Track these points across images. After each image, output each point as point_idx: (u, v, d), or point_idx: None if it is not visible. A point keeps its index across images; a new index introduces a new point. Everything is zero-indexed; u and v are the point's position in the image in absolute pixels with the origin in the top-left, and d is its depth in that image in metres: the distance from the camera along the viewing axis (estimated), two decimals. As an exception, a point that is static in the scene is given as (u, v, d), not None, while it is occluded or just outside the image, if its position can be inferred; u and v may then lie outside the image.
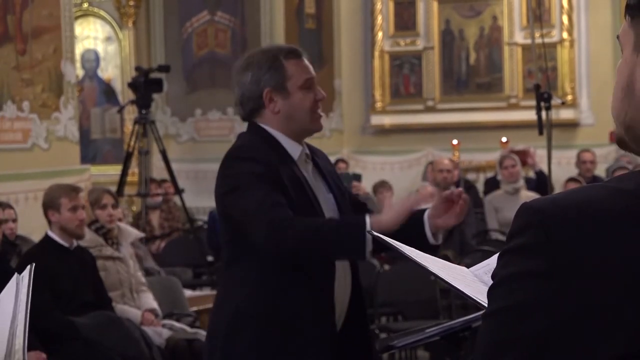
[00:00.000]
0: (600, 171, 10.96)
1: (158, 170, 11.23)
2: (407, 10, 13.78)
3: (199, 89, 12.78)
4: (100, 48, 12.91)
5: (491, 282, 1.39)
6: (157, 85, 9.31)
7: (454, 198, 3.25)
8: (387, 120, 13.85)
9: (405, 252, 2.64)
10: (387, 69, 13.83)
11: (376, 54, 13.78)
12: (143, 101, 9.26)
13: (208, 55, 12.69)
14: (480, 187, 11.80)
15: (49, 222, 5.94)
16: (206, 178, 11.94)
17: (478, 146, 13.02)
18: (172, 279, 7.30)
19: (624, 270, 1.30)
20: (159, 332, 6.23)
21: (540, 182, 9.98)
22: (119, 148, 12.40)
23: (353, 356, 3.38)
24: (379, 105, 13.83)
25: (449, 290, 6.23)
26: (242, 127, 3.50)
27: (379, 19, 13.77)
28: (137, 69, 9.62)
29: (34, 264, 2.22)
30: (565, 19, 13.17)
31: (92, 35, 12.89)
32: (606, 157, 12.08)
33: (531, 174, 10.89)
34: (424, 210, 3.27)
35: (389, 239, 2.86)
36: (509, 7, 13.38)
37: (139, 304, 6.40)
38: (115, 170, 10.94)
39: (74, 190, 6.00)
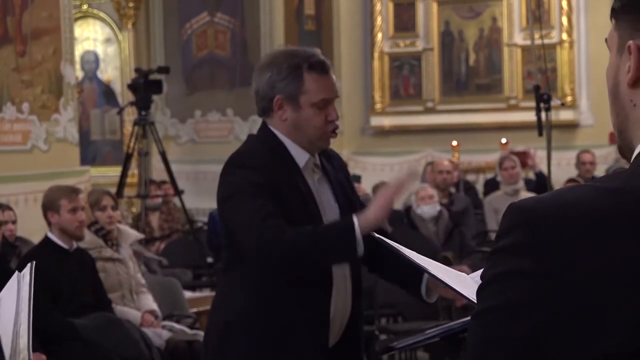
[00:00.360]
0: (600, 172, 10.96)
1: (158, 171, 11.23)
2: (406, 11, 13.79)
3: (198, 90, 12.78)
4: (99, 49, 12.91)
5: None
6: (157, 87, 9.31)
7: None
8: (386, 121, 13.86)
9: (406, 254, 2.64)
10: (386, 70, 13.83)
11: (376, 55, 13.78)
12: (143, 102, 9.27)
13: (208, 56, 12.69)
14: (480, 188, 11.81)
15: (49, 224, 5.94)
16: (206, 179, 11.95)
17: (478, 147, 13.02)
18: (172, 280, 7.30)
19: (611, 268, 1.31)
20: (159, 334, 6.23)
21: (540, 183, 9.99)
22: (118, 149, 12.40)
23: None
24: (378, 106, 13.83)
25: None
26: (242, 128, 3.50)
27: (379, 20, 13.77)
28: (137, 70, 9.62)
29: (34, 262, 2.21)
30: (564, 20, 13.18)
31: (91, 37, 12.89)
32: (606, 158, 12.07)
33: (531, 175, 10.89)
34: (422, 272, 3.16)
35: (390, 241, 2.85)
36: (509, 8, 13.39)
37: (139, 306, 6.40)
38: (114, 171, 10.94)
39: (73, 191, 6.00)
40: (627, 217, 1.33)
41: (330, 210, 3.30)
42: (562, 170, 11.14)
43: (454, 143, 12.81)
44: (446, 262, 7.87)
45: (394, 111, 13.85)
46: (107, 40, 12.88)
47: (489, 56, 13.60)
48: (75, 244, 5.97)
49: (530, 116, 7.53)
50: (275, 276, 3.22)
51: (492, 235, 8.99)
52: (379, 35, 13.79)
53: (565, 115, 12.65)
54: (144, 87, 9.18)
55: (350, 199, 3.38)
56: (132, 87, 9.35)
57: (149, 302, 6.47)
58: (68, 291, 5.78)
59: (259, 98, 3.28)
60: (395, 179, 3.21)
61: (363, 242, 3.20)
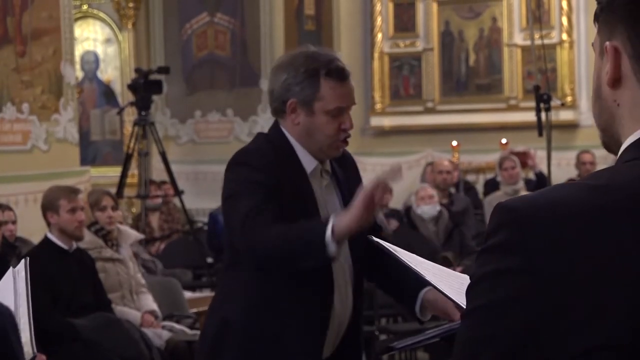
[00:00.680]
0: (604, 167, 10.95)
1: (158, 171, 11.23)
2: (406, 11, 13.78)
3: (198, 90, 12.78)
4: (99, 50, 12.91)
5: None
6: (157, 87, 9.31)
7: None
8: (386, 121, 13.86)
9: (402, 258, 2.63)
10: (386, 71, 13.83)
11: (376, 55, 13.78)
12: (143, 103, 9.26)
13: (208, 56, 12.70)
14: (480, 188, 11.81)
15: (48, 224, 5.94)
16: (206, 179, 11.95)
17: (478, 147, 13.01)
18: (172, 281, 7.30)
19: (599, 264, 1.32)
20: (159, 334, 6.23)
21: (540, 184, 9.99)
22: (118, 150, 12.40)
23: None
24: (378, 106, 13.83)
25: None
26: (242, 128, 3.47)
27: (379, 21, 13.77)
28: (137, 70, 9.62)
29: (28, 258, 2.21)
30: (564, 20, 13.17)
31: (91, 37, 12.89)
32: (606, 158, 12.05)
33: (531, 176, 10.89)
34: (423, 286, 3.09)
35: (388, 244, 2.84)
36: (509, 8, 13.38)
37: (139, 306, 6.40)
38: (115, 171, 10.94)
39: (72, 191, 6.00)
40: (614, 214, 1.34)
41: None
42: (562, 170, 11.14)
43: (454, 143, 12.81)
44: (446, 262, 7.88)
45: (394, 111, 13.84)
46: (107, 41, 12.88)
47: (489, 56, 13.60)
48: (75, 245, 5.97)
49: (530, 116, 7.53)
50: (275, 277, 3.18)
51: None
52: (379, 36, 13.79)
53: (565, 115, 12.65)
54: (144, 87, 9.18)
55: None
56: (132, 87, 9.35)
57: (149, 302, 6.47)
58: (68, 291, 5.78)
59: (273, 98, 3.23)
60: (376, 177, 3.09)
61: (363, 246, 3.18)
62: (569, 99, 12.95)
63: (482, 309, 1.37)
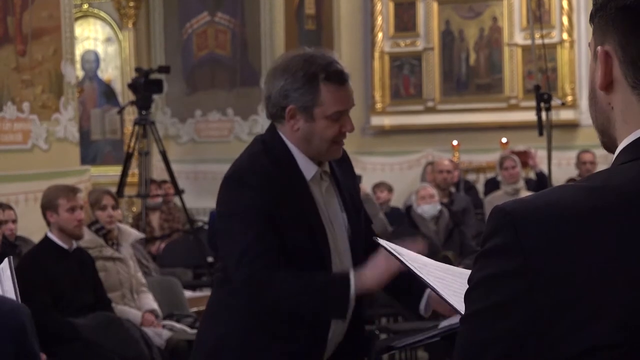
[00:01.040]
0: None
1: (158, 171, 11.23)
2: (407, 11, 13.78)
3: (199, 90, 12.78)
4: (100, 49, 12.91)
5: None
6: (157, 86, 9.31)
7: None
8: (387, 121, 13.85)
9: (405, 261, 2.62)
10: (387, 70, 13.83)
11: (376, 55, 13.78)
12: (143, 102, 9.26)
13: (208, 56, 12.69)
14: (480, 188, 11.81)
15: (48, 224, 5.94)
16: (206, 179, 11.95)
17: (478, 147, 13.02)
18: (172, 280, 7.30)
19: (594, 266, 1.33)
20: (159, 333, 6.23)
21: (541, 183, 9.99)
22: (119, 149, 12.40)
23: None
24: (378, 106, 13.83)
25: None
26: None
27: (379, 20, 13.77)
28: (137, 70, 9.61)
29: (11, 257, 2.21)
30: (565, 19, 13.17)
31: (92, 36, 12.89)
32: (606, 158, 12.07)
33: (532, 175, 10.89)
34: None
35: (391, 245, 2.82)
36: (509, 8, 13.38)
37: (139, 305, 6.40)
38: (115, 171, 10.94)
39: (71, 190, 6.00)
40: (610, 215, 1.35)
41: (337, 222, 3.19)
42: (562, 170, 11.14)
43: (455, 143, 12.81)
44: (446, 261, 7.88)
45: (394, 111, 13.84)
46: (108, 40, 12.88)
47: (489, 56, 13.59)
48: (75, 244, 5.97)
49: (530, 116, 7.53)
50: None
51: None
52: (380, 35, 13.79)
53: (565, 115, 12.65)
54: (144, 86, 9.17)
55: (356, 205, 3.28)
56: (133, 86, 9.34)
57: (150, 301, 6.47)
58: (68, 291, 5.78)
59: (271, 104, 3.15)
60: (400, 247, 3.05)
61: (363, 248, 3.17)
62: (569, 98, 12.95)
63: (480, 313, 1.37)
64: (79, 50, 12.01)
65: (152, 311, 6.38)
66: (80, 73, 12.27)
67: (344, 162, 3.32)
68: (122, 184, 9.26)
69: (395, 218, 9.71)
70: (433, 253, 7.85)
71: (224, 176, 3.14)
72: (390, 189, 10.71)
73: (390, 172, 13.37)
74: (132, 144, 9.46)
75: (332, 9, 13.42)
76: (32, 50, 8.27)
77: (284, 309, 3.09)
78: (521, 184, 9.37)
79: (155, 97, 9.83)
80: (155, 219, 10.07)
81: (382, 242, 2.85)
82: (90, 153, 12.41)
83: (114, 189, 8.28)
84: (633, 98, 1.43)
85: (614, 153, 1.49)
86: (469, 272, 2.45)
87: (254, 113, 12.45)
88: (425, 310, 3.21)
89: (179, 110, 12.85)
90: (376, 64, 13.78)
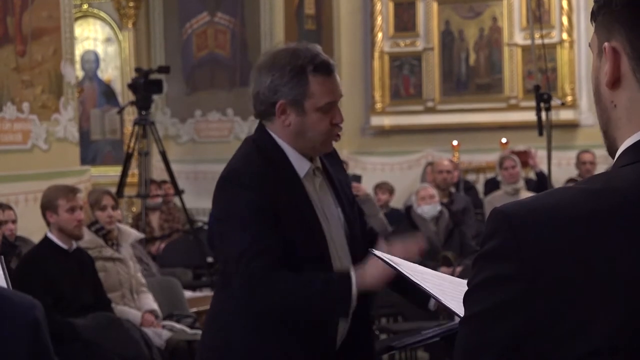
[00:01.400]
0: (600, 172, 10.94)
1: (158, 171, 11.23)
2: (406, 11, 13.78)
3: (198, 90, 12.78)
4: (100, 49, 12.90)
5: None
6: (157, 87, 9.31)
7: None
8: (386, 121, 13.85)
9: (403, 271, 2.62)
10: (386, 70, 13.83)
11: (376, 55, 13.78)
12: (143, 102, 9.26)
13: (208, 56, 12.69)
14: (480, 188, 11.81)
15: (48, 224, 5.94)
16: (206, 179, 11.94)
17: (478, 147, 13.02)
18: (172, 280, 7.30)
19: (594, 268, 1.32)
20: (159, 333, 6.23)
21: (541, 183, 9.99)
22: (118, 149, 12.40)
23: None
24: (378, 106, 13.83)
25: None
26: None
27: (379, 20, 13.77)
28: (137, 70, 9.62)
29: (2, 257, 2.21)
30: (565, 19, 13.17)
31: (91, 37, 12.89)
32: (606, 158, 12.04)
33: (532, 175, 10.89)
34: None
35: (388, 256, 2.81)
36: (509, 8, 13.38)
37: (139, 305, 6.40)
38: (115, 171, 10.94)
39: (71, 191, 6.00)
40: (609, 219, 1.34)
41: (332, 218, 3.18)
42: (562, 170, 11.14)
43: (454, 143, 12.81)
44: (446, 261, 7.88)
45: (394, 111, 13.84)
46: (107, 40, 12.88)
47: (489, 56, 13.59)
48: (74, 244, 5.96)
49: (530, 116, 7.53)
50: None
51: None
52: (379, 35, 13.78)
53: (565, 115, 12.65)
54: (144, 86, 9.17)
55: (349, 199, 3.27)
56: (132, 86, 9.34)
57: (149, 301, 6.47)
58: (68, 291, 5.78)
59: (259, 101, 3.13)
60: (400, 243, 3.07)
61: (362, 248, 3.16)
62: (569, 98, 12.95)
63: (479, 316, 1.37)
64: (78, 51, 12.01)
65: (152, 311, 6.38)
66: (80, 73, 12.27)
67: (332, 157, 3.31)
68: (122, 184, 9.26)
69: (395, 219, 9.71)
70: (433, 253, 7.86)
71: (219, 177, 3.13)
72: (391, 191, 10.70)
73: (390, 173, 13.36)
74: (132, 144, 9.46)
75: (332, 9, 13.42)
76: (32, 51, 8.27)
77: (285, 308, 3.07)
78: (521, 184, 9.37)
79: (155, 97, 9.83)
80: (155, 219, 10.07)
81: (377, 253, 2.84)
82: (90, 153, 12.40)
83: (113, 189, 8.28)
84: None
85: (612, 155, 1.48)
86: (464, 281, 2.45)
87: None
88: (435, 307, 3.19)
89: (178, 111, 12.85)
90: (376, 64, 13.78)
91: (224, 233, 3.10)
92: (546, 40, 9.99)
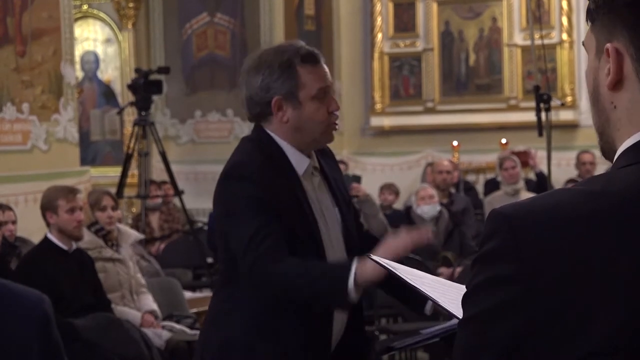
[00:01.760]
0: (600, 172, 10.93)
1: (158, 171, 11.23)
2: (406, 11, 13.79)
3: (198, 90, 12.78)
4: (99, 50, 12.91)
5: None
6: (157, 87, 9.31)
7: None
8: (386, 121, 13.85)
9: (401, 275, 2.62)
10: (386, 71, 13.83)
11: (376, 55, 13.78)
12: (143, 103, 9.26)
13: (207, 56, 12.69)
14: (480, 188, 11.81)
15: (48, 224, 5.94)
16: (206, 179, 11.95)
17: (478, 147, 13.02)
18: (172, 281, 7.30)
19: (592, 270, 1.32)
20: (159, 334, 6.23)
21: (541, 183, 9.99)
22: (118, 150, 12.40)
23: None
24: (378, 106, 13.83)
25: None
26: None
27: (379, 21, 13.77)
28: (137, 70, 9.61)
29: None
30: (564, 20, 13.18)
31: (91, 37, 12.89)
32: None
33: (531, 175, 10.89)
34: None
35: (385, 261, 2.82)
36: (509, 8, 13.39)
37: (139, 306, 6.40)
38: (115, 172, 10.94)
39: (71, 191, 6.00)
40: (609, 220, 1.34)
41: (329, 217, 3.19)
42: (562, 170, 11.15)
43: (454, 143, 12.81)
44: (446, 261, 7.88)
45: (394, 111, 13.84)
46: (107, 41, 12.88)
47: (489, 56, 13.60)
48: (74, 245, 5.96)
49: (530, 116, 7.53)
50: (272, 299, 3.13)
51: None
52: (379, 36, 13.79)
53: (565, 115, 12.66)
54: (144, 87, 9.17)
55: (345, 199, 3.29)
56: (132, 87, 9.34)
57: (149, 302, 6.47)
58: (68, 292, 5.77)
59: (253, 103, 3.15)
60: (402, 234, 3.07)
61: (359, 248, 3.16)
62: (569, 99, 12.96)
63: (478, 318, 1.37)
64: (78, 51, 12.01)
65: (152, 312, 6.38)
66: (79, 74, 12.27)
67: (328, 157, 3.33)
68: (121, 184, 9.26)
69: (397, 221, 9.70)
70: (433, 253, 7.86)
71: (221, 174, 3.14)
72: (397, 192, 10.70)
73: (390, 173, 13.37)
74: (131, 145, 9.46)
75: (331, 10, 13.43)
76: (32, 51, 8.27)
77: (288, 293, 3.08)
78: (521, 184, 9.37)
79: (155, 97, 9.83)
80: (154, 219, 10.07)
81: (375, 257, 2.84)
82: (89, 154, 12.41)
83: (113, 190, 8.28)
84: None
85: (609, 159, 1.47)
86: (462, 286, 2.46)
87: (253, 114, 12.44)
88: (431, 310, 3.20)
89: (178, 111, 12.85)
90: (376, 64, 13.78)
91: (230, 227, 3.10)
92: (546, 41, 9.99)
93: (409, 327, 6.66)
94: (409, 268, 2.77)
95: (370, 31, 13.86)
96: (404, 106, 13.80)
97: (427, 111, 13.70)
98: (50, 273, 5.71)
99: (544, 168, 8.53)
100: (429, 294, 2.45)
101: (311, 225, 3.12)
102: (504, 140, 12.31)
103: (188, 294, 7.39)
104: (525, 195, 8.93)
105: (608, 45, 1.42)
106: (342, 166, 11.95)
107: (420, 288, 2.47)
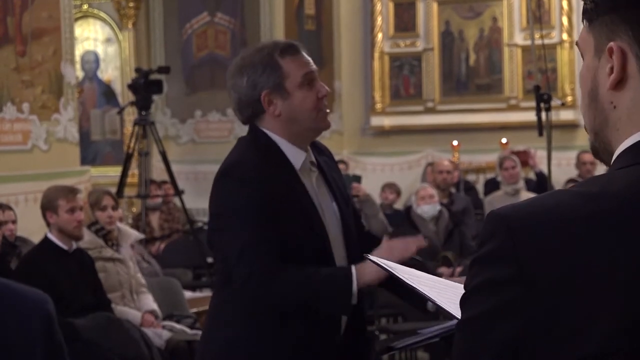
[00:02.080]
0: (599, 172, 10.93)
1: (158, 171, 11.23)
2: (406, 11, 13.78)
3: (198, 90, 12.78)
4: (100, 49, 12.91)
5: None
6: (157, 87, 9.31)
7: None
8: (386, 121, 13.85)
9: (400, 275, 2.62)
10: (386, 70, 13.83)
11: (376, 55, 13.78)
12: (143, 102, 9.26)
13: (208, 56, 12.69)
14: (480, 188, 11.81)
15: (48, 224, 5.94)
16: (206, 179, 11.93)
17: (478, 147, 13.02)
18: (172, 281, 7.30)
19: (590, 272, 1.31)
20: (159, 334, 6.23)
21: (541, 183, 9.99)
22: (118, 149, 12.40)
23: None
24: (378, 106, 13.82)
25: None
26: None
27: (379, 20, 13.76)
28: (137, 70, 9.61)
29: None
30: (565, 20, 13.17)
31: (92, 37, 12.89)
32: (606, 158, 12.04)
33: (531, 175, 10.89)
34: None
35: (383, 261, 2.82)
36: (509, 8, 13.38)
37: (139, 306, 6.40)
38: (115, 171, 10.94)
39: (71, 191, 6.00)
40: (607, 221, 1.33)
41: (329, 213, 3.18)
42: (562, 170, 11.14)
43: (455, 143, 12.81)
44: (446, 261, 7.88)
45: (394, 111, 13.84)
46: (108, 40, 12.88)
47: (489, 56, 13.59)
48: (74, 245, 5.97)
49: (530, 116, 7.53)
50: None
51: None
52: (379, 35, 13.78)
53: (565, 115, 12.65)
54: (144, 87, 9.17)
55: (344, 195, 3.28)
56: (132, 87, 9.34)
57: (149, 302, 6.47)
58: (67, 292, 5.77)
59: (244, 105, 3.17)
60: (400, 241, 3.10)
61: (359, 248, 3.16)
62: (569, 98, 12.95)
63: (476, 319, 1.36)
64: (78, 51, 12.01)
65: (152, 312, 6.38)
66: (80, 73, 12.27)
67: (326, 155, 3.33)
68: (122, 184, 9.25)
69: (397, 221, 9.70)
70: (433, 253, 7.86)
71: (217, 174, 3.14)
72: (399, 192, 10.70)
73: (390, 173, 13.36)
74: (132, 145, 9.46)
75: (332, 9, 13.42)
76: (32, 51, 8.27)
77: (287, 304, 3.07)
78: (521, 184, 9.37)
79: (155, 97, 9.82)
80: (155, 219, 10.07)
81: (372, 258, 2.84)
82: (90, 153, 12.40)
83: (113, 190, 8.28)
84: None
85: (601, 159, 1.46)
86: (461, 285, 2.46)
87: (253, 113, 12.43)
88: (433, 308, 3.20)
89: (178, 111, 12.85)
90: (376, 64, 13.78)
91: (223, 229, 3.11)
92: (546, 41, 9.99)
93: (409, 327, 6.66)
94: (407, 268, 2.76)
95: (370, 31, 13.86)
96: (404, 106, 13.80)
97: (427, 111, 13.69)
98: (51, 273, 5.71)
99: (544, 168, 8.53)
100: (427, 294, 2.45)
101: (313, 219, 3.11)
102: (504, 140, 12.31)
103: (188, 294, 7.39)
104: (526, 195, 8.93)
105: (612, 44, 1.41)
106: (342, 166, 11.97)
107: (418, 288, 2.47)
